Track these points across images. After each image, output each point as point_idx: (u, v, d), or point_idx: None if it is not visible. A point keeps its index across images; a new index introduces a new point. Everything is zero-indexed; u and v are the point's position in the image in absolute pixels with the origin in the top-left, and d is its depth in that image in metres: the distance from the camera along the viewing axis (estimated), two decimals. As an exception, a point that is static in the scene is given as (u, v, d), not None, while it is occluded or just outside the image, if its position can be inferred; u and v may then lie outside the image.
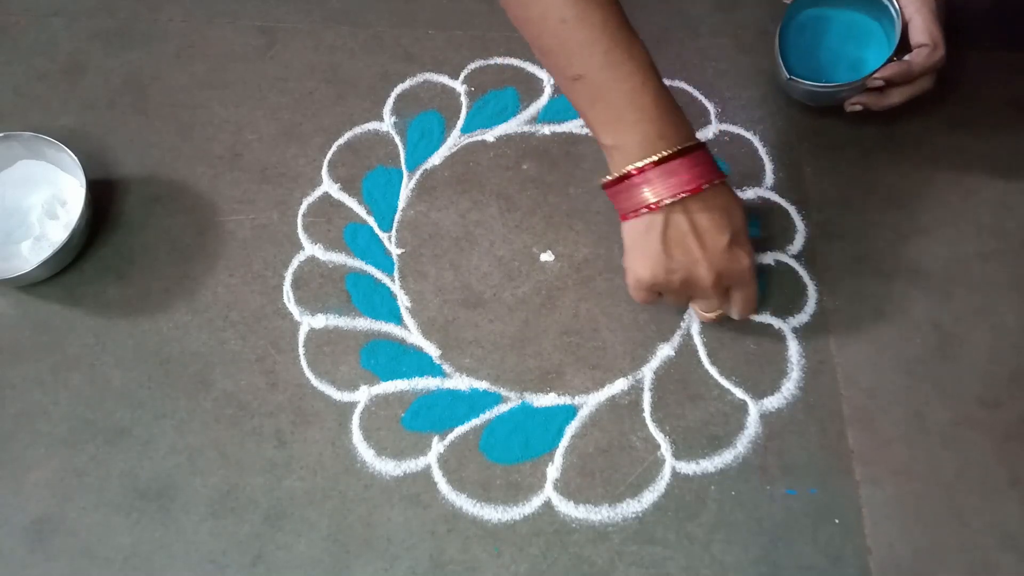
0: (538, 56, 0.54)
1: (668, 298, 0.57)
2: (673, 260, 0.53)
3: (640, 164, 0.51)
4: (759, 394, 0.58)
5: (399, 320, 0.61)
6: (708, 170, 0.52)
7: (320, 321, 0.61)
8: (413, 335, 0.61)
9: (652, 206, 0.51)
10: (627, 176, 0.52)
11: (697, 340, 0.60)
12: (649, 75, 0.52)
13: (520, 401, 0.58)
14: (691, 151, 0.52)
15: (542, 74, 0.70)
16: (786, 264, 0.63)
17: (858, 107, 0.63)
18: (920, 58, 0.60)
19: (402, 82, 0.70)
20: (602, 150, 0.54)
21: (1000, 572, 0.53)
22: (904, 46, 0.61)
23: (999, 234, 0.64)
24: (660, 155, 0.51)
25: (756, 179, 0.66)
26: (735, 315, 0.58)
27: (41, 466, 0.57)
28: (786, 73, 0.63)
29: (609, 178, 0.53)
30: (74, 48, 0.72)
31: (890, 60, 0.60)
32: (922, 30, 0.60)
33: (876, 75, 0.60)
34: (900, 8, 0.61)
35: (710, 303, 0.57)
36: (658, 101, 0.51)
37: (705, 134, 0.68)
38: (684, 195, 0.51)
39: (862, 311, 0.61)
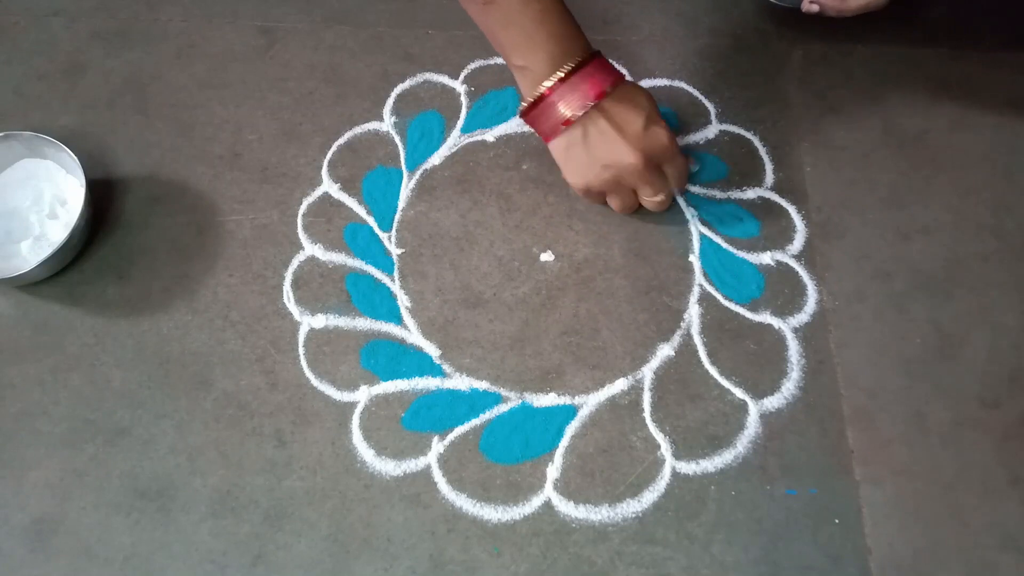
0: None
1: (613, 200, 0.62)
2: (599, 158, 0.57)
3: (549, 83, 0.56)
4: (759, 394, 0.58)
5: (399, 320, 0.61)
6: (607, 74, 0.57)
7: (320, 321, 0.61)
8: (413, 335, 0.61)
9: (568, 121, 0.56)
10: (540, 99, 0.57)
11: (697, 340, 0.60)
12: None
13: (520, 401, 0.59)
14: (588, 61, 0.56)
15: (542, 74, 0.70)
16: (786, 264, 0.63)
17: (815, 7, 0.63)
18: None
19: (402, 82, 0.70)
20: (514, 74, 0.58)
21: (1000, 572, 0.53)
22: None
23: (999, 234, 0.64)
24: (566, 70, 0.56)
25: (756, 179, 0.66)
26: (675, 188, 0.62)
27: (41, 466, 0.57)
28: None
29: (525, 105, 0.58)
30: (74, 48, 0.72)
31: None
32: None
33: None
34: None
35: (652, 187, 0.59)
36: (562, 20, 0.56)
37: (705, 134, 0.68)
38: (591, 103, 0.56)
39: (862, 311, 0.61)
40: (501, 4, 0.55)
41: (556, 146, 0.59)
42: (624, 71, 0.70)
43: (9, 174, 0.65)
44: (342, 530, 0.55)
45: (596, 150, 0.57)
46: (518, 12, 0.55)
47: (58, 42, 0.72)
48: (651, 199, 0.61)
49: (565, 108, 0.56)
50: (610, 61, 0.58)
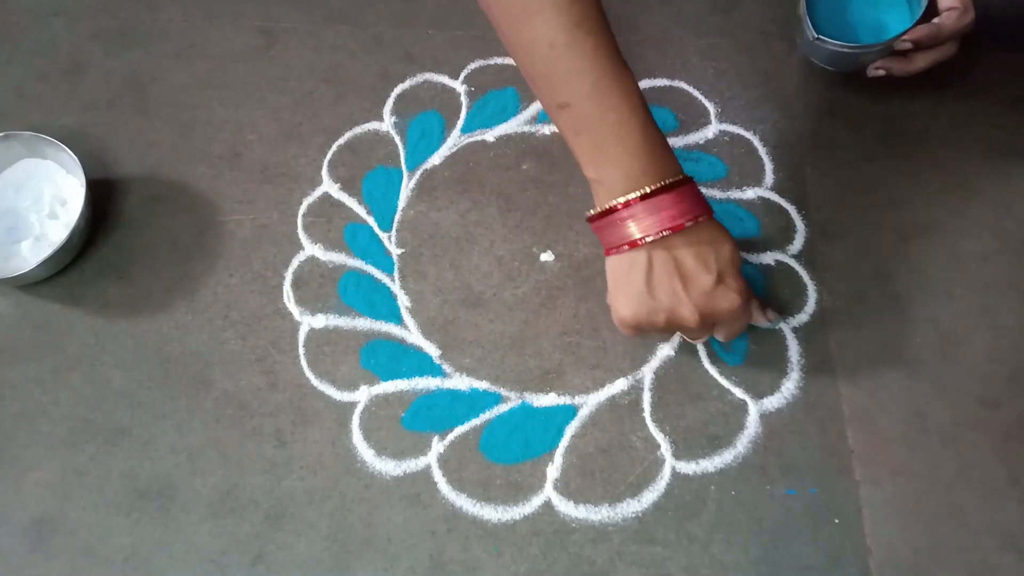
0: (528, 81, 0.52)
1: (653, 335, 0.58)
2: (656, 301, 0.51)
3: (623, 199, 0.49)
4: (759, 394, 0.58)
5: (399, 320, 0.61)
6: (693, 206, 0.50)
7: (320, 321, 0.61)
8: (413, 335, 0.61)
9: (636, 242, 0.50)
10: (611, 211, 0.50)
11: (697, 340, 0.60)
12: (636, 108, 0.49)
13: (520, 401, 0.59)
14: (676, 187, 0.49)
15: (542, 74, 0.70)
16: (786, 264, 0.63)
17: (881, 72, 0.62)
18: (950, 21, 0.59)
19: (402, 82, 0.70)
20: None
21: (1000, 572, 0.53)
22: (930, 11, 0.60)
23: (999, 234, 0.64)
24: (643, 191, 0.49)
25: (756, 179, 0.66)
26: (721, 339, 0.56)
27: (41, 466, 0.57)
28: (813, 32, 0.61)
29: (593, 212, 0.51)
30: (74, 48, 0.72)
31: (918, 23, 0.59)
32: None
33: (905, 36, 0.59)
34: None
35: (697, 336, 0.56)
36: (644, 135, 0.49)
37: (705, 134, 0.68)
38: (667, 232, 0.49)
39: (862, 311, 0.61)
40: (575, 109, 0.49)
41: (615, 265, 0.52)
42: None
43: (9, 174, 0.65)
44: (342, 530, 0.55)
45: (655, 291, 0.50)
46: (594, 120, 0.49)
47: (58, 42, 0.72)
48: (690, 340, 0.58)
49: (635, 228, 0.49)
50: (701, 191, 0.51)
